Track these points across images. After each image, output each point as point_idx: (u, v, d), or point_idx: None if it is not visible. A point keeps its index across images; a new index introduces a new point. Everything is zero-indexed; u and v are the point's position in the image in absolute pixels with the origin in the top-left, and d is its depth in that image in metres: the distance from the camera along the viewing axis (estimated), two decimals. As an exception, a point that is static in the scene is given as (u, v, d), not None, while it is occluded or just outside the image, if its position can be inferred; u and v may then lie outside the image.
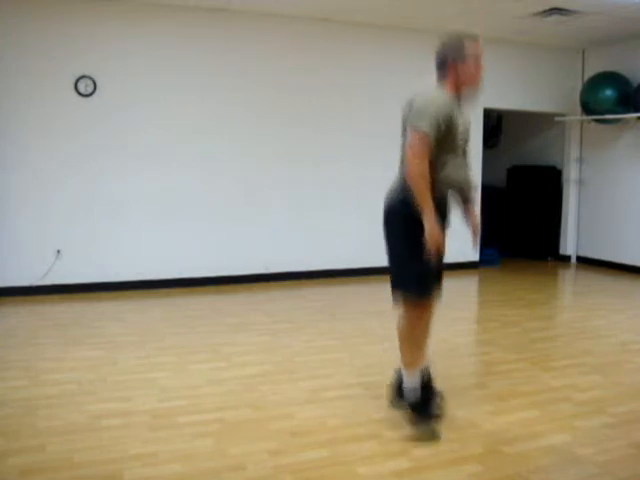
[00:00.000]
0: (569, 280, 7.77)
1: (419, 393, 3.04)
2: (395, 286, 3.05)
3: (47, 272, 5.95)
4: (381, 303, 6.02)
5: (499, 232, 8.75)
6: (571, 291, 7.34)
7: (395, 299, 3.07)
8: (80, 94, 5.94)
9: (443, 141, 2.98)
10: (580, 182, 8.30)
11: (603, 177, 7.99)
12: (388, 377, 3.30)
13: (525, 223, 8.71)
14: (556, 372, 4.00)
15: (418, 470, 2.71)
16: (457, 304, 6.15)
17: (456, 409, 3.30)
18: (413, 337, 3.06)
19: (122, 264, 6.20)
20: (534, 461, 2.80)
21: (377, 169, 7.20)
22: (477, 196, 7.43)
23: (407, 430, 3.05)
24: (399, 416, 3.22)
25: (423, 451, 2.87)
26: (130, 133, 6.14)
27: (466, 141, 3.17)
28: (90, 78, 5.96)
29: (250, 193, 6.65)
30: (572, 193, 8.34)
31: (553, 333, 5.12)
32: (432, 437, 2.98)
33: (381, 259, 7.88)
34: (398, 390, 3.17)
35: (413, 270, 2.96)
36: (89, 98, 5.98)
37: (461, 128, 3.07)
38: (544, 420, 3.24)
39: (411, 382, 3.06)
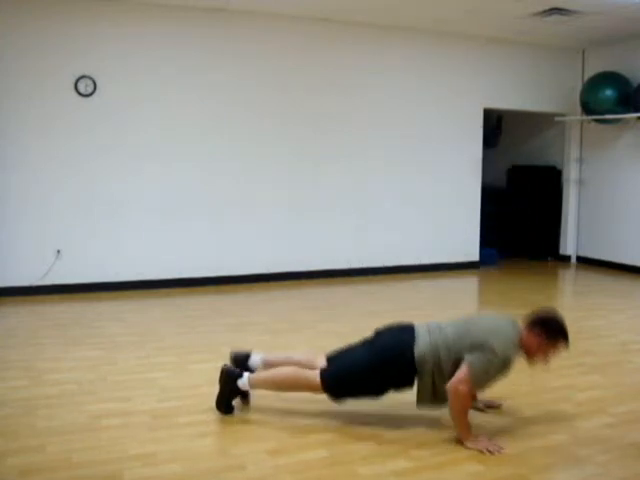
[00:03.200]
0: (569, 280, 7.77)
1: None
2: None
3: (47, 272, 5.95)
4: (381, 303, 6.03)
5: (499, 232, 8.75)
6: (571, 291, 7.33)
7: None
8: (80, 94, 5.94)
9: None
10: (580, 182, 8.30)
11: (603, 177, 7.99)
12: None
13: (525, 223, 8.71)
14: (556, 372, 3.99)
15: (418, 470, 2.71)
16: (457, 304, 6.16)
17: (456, 409, 3.29)
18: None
19: (122, 264, 6.20)
20: (534, 461, 2.80)
21: (377, 169, 7.22)
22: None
23: (407, 430, 3.06)
24: (399, 416, 3.23)
25: (423, 451, 2.87)
26: (130, 133, 6.14)
27: None
28: (90, 78, 5.96)
29: (250, 193, 6.65)
30: (572, 193, 8.34)
31: (553, 333, 5.12)
32: None
33: (381, 259, 7.89)
34: None
35: None
36: (89, 98, 5.98)
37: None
38: (544, 420, 3.24)
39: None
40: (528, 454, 2.86)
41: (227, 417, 3.22)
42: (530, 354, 3.03)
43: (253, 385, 3.24)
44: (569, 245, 8.41)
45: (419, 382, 3.02)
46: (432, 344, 3.01)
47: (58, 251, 5.99)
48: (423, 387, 3.03)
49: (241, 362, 3.39)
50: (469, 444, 2.91)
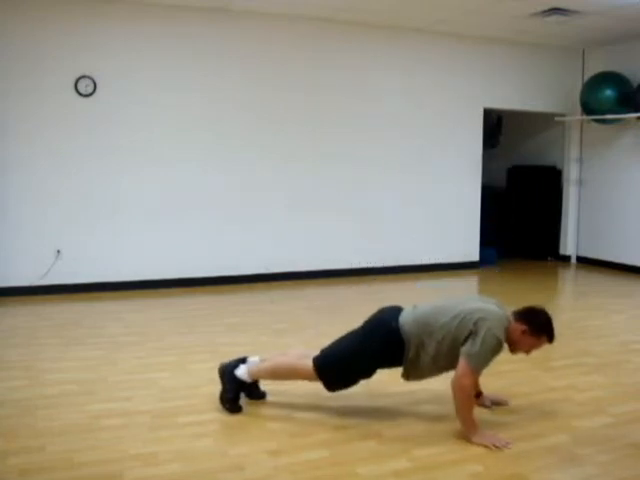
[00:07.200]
0: (569, 280, 7.77)
1: None
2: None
3: (47, 272, 5.95)
4: (381, 303, 6.01)
5: (499, 232, 8.75)
6: (571, 291, 7.34)
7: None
8: (80, 94, 5.94)
9: None
10: (580, 182, 8.30)
11: (603, 177, 7.99)
12: (388, 377, 3.30)
13: (525, 223, 8.71)
14: (556, 372, 4.00)
15: (418, 470, 2.71)
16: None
17: (456, 409, 3.29)
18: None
19: (122, 264, 6.20)
20: (534, 461, 2.81)
21: (377, 169, 7.22)
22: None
23: (407, 430, 3.06)
24: (399, 416, 3.23)
25: (423, 451, 2.87)
26: (130, 133, 6.14)
27: None
28: (90, 78, 5.96)
29: (250, 193, 6.65)
30: (572, 193, 8.34)
31: (553, 333, 5.12)
32: None
33: (380, 259, 7.90)
34: None
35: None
36: (89, 98, 5.98)
37: None
38: (544, 420, 3.24)
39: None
40: (528, 454, 2.86)
41: (227, 417, 3.22)
42: (513, 344, 3.06)
43: (252, 374, 3.28)
44: (569, 245, 8.41)
45: (405, 355, 3.06)
46: (417, 317, 3.08)
47: (58, 251, 5.99)
48: (408, 360, 3.07)
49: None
50: (475, 439, 2.93)
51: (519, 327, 3.01)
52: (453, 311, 3.04)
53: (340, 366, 3.14)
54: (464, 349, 2.93)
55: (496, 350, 2.96)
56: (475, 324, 2.93)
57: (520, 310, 3.09)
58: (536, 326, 3.02)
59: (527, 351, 3.10)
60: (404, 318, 3.10)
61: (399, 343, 3.04)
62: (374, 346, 3.09)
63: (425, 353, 3.03)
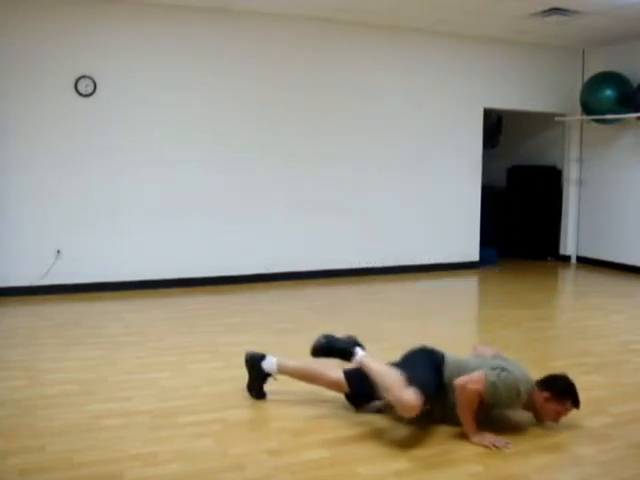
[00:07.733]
0: (569, 280, 7.77)
1: None
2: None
3: (47, 272, 5.95)
4: (381, 303, 6.03)
5: (499, 232, 8.75)
6: (571, 291, 7.33)
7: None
8: (80, 94, 5.94)
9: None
10: (580, 182, 8.30)
11: (603, 177, 7.99)
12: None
13: (525, 223, 8.71)
14: (556, 372, 3.99)
15: (418, 470, 2.71)
16: (457, 304, 6.16)
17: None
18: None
19: (122, 264, 6.20)
20: (534, 461, 2.81)
21: (377, 169, 7.22)
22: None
23: (407, 430, 3.06)
24: (399, 416, 3.23)
25: (423, 451, 2.87)
26: (130, 133, 6.14)
27: None
28: (90, 78, 5.96)
29: (250, 193, 6.65)
30: (572, 193, 8.34)
31: (553, 333, 5.12)
32: None
33: (380, 259, 7.88)
34: None
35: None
36: (89, 98, 5.98)
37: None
38: (544, 420, 3.24)
39: None
40: (528, 454, 2.86)
41: (227, 417, 3.22)
42: (538, 411, 3.10)
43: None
44: (569, 245, 8.41)
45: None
46: (454, 359, 3.18)
47: (58, 251, 5.99)
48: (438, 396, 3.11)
49: (256, 362, 3.48)
50: (475, 439, 2.94)
51: (542, 394, 3.05)
52: (484, 362, 3.14)
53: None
54: (485, 370, 2.98)
55: (512, 394, 2.95)
56: (505, 366, 3.02)
57: (541, 379, 3.13)
58: (558, 391, 3.06)
59: (554, 419, 3.09)
60: (448, 358, 3.19)
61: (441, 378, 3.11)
62: (426, 371, 3.10)
63: (452, 391, 3.04)
